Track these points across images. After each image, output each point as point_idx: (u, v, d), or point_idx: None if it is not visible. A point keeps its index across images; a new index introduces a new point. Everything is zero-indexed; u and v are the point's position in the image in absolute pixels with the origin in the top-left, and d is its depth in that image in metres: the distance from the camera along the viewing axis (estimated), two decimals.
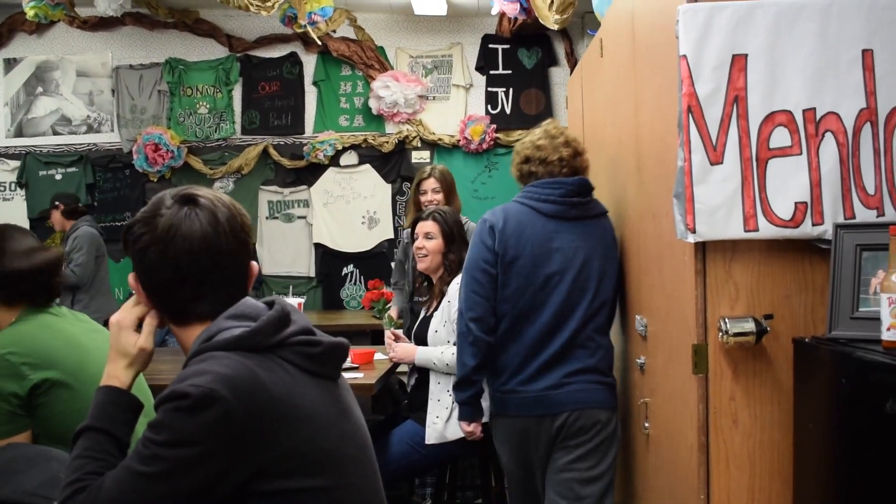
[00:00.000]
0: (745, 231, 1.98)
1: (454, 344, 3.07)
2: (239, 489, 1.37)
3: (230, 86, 6.61)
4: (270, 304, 1.51)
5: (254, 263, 1.53)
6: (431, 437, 3.20)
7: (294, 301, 3.82)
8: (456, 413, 3.04)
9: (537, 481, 2.84)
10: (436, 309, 3.31)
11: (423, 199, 4.04)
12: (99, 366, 1.72)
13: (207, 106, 6.57)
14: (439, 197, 4.01)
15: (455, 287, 3.17)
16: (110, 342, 1.56)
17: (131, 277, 1.53)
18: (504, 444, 2.86)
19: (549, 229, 2.77)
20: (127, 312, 1.55)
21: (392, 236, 6.48)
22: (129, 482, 1.34)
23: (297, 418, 1.40)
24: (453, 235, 3.35)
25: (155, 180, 6.54)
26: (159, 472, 1.33)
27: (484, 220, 2.82)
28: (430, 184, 4.05)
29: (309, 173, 6.56)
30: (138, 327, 1.56)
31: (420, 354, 3.27)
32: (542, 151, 2.84)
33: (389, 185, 6.55)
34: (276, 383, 1.40)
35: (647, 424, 2.61)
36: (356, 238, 6.50)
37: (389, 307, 4.18)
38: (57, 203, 5.74)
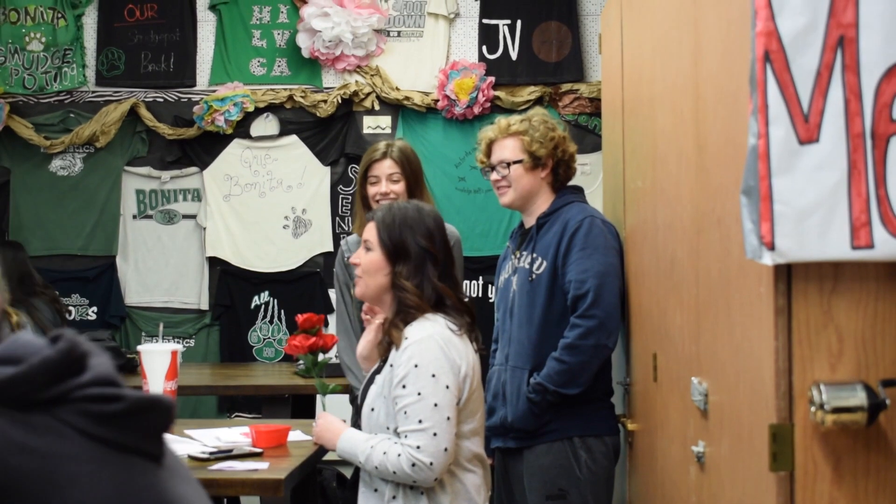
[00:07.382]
0: (854, 248, 1.81)
1: (395, 434, 2.75)
2: None
3: (79, 8, 6.04)
4: (57, 341, 1.28)
5: None
6: None
7: (161, 349, 3.46)
8: None
9: None
10: (378, 370, 2.92)
11: (373, 191, 3.78)
12: None
13: (43, 39, 6.02)
14: (398, 188, 3.77)
15: (413, 347, 2.75)
16: None
17: None
18: (612, 469, 3.25)
19: None
20: None
21: (331, 248, 5.89)
22: None
23: None
24: (405, 247, 2.89)
25: None
26: None
27: (602, 220, 3.23)
28: (386, 168, 3.78)
29: (202, 148, 6.00)
30: None
31: (345, 440, 2.85)
32: (572, 149, 3.27)
33: (328, 169, 6.01)
34: (34, 452, 1.13)
35: None
36: (274, 251, 6.00)
37: (329, 360, 3.50)
38: None
